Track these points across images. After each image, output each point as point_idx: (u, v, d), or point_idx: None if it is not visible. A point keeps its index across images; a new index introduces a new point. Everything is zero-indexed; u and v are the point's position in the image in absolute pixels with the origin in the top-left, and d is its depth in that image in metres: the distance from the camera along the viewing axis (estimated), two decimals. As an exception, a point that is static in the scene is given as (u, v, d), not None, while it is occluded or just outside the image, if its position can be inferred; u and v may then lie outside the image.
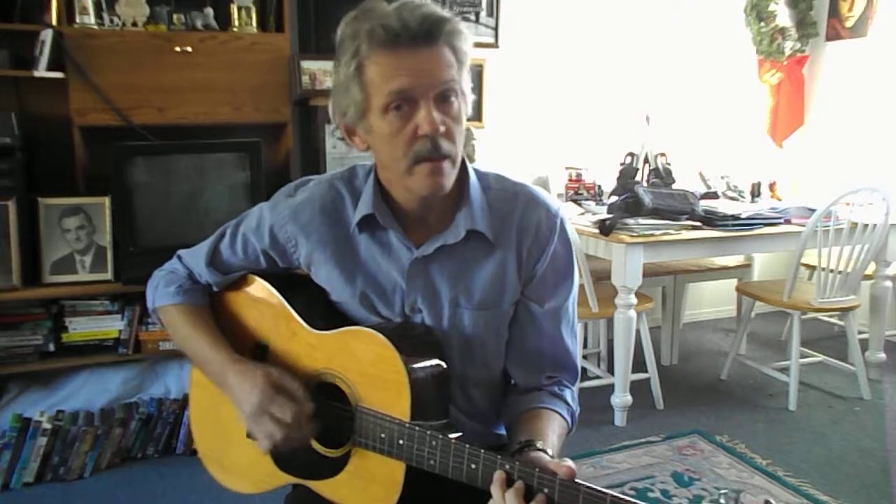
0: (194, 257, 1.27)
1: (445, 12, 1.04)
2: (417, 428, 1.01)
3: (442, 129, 1.02)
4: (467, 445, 0.97)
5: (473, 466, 0.96)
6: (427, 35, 1.01)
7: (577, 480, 0.89)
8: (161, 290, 1.26)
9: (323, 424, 1.12)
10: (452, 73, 1.04)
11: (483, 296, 1.15)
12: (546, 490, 0.90)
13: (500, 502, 0.91)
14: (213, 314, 1.26)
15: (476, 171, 1.19)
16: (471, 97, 1.10)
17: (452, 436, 0.99)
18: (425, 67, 1.01)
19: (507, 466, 0.93)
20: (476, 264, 1.15)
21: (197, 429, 1.35)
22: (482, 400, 1.23)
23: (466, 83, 1.08)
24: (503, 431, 1.26)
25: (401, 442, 1.03)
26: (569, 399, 1.20)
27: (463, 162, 1.16)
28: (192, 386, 1.34)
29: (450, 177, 1.07)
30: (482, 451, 0.96)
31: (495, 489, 0.92)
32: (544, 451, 1.00)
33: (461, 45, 1.05)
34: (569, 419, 1.18)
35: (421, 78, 1.01)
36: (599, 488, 0.87)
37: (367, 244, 1.16)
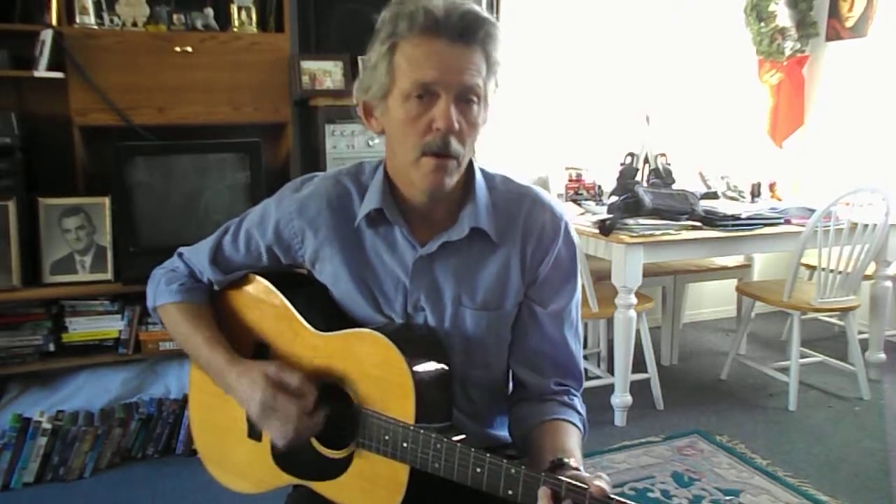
0: (196, 255, 1.26)
1: (489, 15, 1.04)
2: (422, 431, 1.01)
3: (456, 127, 1.02)
4: (472, 449, 0.97)
5: (479, 470, 0.96)
6: (464, 31, 1.01)
7: (610, 495, 0.87)
8: (162, 289, 1.26)
9: (326, 426, 1.11)
10: (479, 79, 1.04)
11: (486, 296, 1.15)
12: None
13: None
14: (214, 314, 1.26)
15: (482, 171, 1.19)
16: (492, 108, 1.09)
17: (456, 438, 0.99)
18: (454, 64, 1.01)
19: (552, 482, 0.90)
20: (480, 263, 1.15)
21: (196, 429, 1.35)
22: (482, 400, 1.22)
23: (491, 92, 1.08)
24: (499, 432, 1.26)
25: (405, 444, 1.02)
26: (578, 407, 1.20)
27: (470, 161, 1.15)
28: (191, 386, 1.33)
29: (453, 176, 1.07)
30: (487, 455, 0.96)
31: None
32: (578, 469, 0.98)
33: (494, 54, 1.05)
34: (582, 428, 1.18)
35: (448, 74, 1.01)
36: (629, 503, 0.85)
37: (373, 240, 1.16)
